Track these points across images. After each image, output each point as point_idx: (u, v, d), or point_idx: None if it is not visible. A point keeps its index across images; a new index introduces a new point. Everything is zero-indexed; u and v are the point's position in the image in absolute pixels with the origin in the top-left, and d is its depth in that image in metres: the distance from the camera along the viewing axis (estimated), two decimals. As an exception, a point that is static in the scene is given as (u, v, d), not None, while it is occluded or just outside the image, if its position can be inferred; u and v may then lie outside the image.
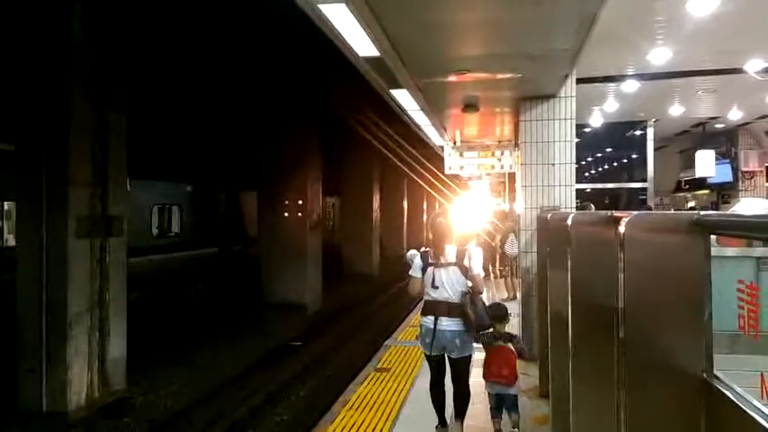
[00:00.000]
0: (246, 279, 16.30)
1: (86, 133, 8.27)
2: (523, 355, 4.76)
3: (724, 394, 1.43)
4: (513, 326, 6.81)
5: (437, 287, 4.46)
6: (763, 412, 1.30)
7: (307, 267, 16.00)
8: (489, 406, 4.75)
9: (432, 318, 4.45)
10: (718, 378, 1.48)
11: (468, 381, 4.64)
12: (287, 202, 15.99)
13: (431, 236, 4.72)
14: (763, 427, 1.26)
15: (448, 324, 4.40)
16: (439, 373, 4.63)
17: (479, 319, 4.40)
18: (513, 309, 6.33)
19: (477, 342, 4.62)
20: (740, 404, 1.36)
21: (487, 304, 4.70)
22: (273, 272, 15.94)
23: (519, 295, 7.54)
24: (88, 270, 8.26)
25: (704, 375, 1.51)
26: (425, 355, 4.66)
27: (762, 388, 1.80)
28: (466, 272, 4.47)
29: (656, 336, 1.57)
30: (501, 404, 4.68)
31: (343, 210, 25.32)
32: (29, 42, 8.12)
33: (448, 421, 4.71)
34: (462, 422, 4.61)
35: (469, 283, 4.49)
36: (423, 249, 4.71)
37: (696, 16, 5.27)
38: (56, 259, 7.96)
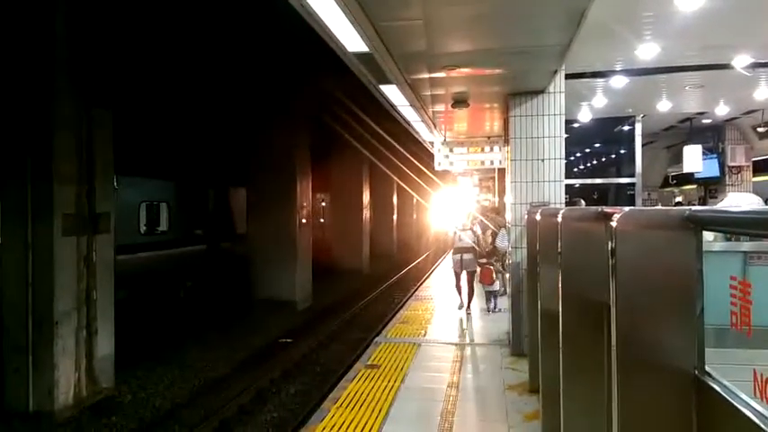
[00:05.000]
0: (236, 276, 16.22)
1: (71, 130, 8.17)
2: (502, 271, 9.17)
3: (715, 390, 1.42)
4: (504, 321, 6.87)
5: (461, 239, 9.63)
6: (754, 408, 1.29)
7: (297, 264, 15.97)
8: (485, 299, 9.83)
9: (459, 254, 9.65)
10: (709, 374, 1.48)
11: (473, 282, 9.86)
12: (276, 199, 15.91)
13: (467, 217, 10.08)
14: (754, 423, 1.25)
15: (466, 256, 9.57)
16: (459, 279, 9.77)
17: (473, 252, 9.53)
18: (503, 304, 6.45)
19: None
20: (731, 400, 1.36)
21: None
22: (263, 268, 15.89)
23: (508, 290, 7.55)
24: (75, 268, 8.17)
25: (695, 371, 1.51)
26: (454, 272, 9.84)
27: (754, 383, 1.80)
28: (473, 233, 9.58)
29: (647, 332, 1.57)
30: (489, 296, 9.69)
31: (332, 206, 25.27)
32: (10, 38, 7.99)
33: (463, 303, 9.81)
34: (470, 302, 9.83)
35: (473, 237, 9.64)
36: (456, 224, 9.88)
37: (684, 11, 5.28)
38: (42, 257, 7.88)
